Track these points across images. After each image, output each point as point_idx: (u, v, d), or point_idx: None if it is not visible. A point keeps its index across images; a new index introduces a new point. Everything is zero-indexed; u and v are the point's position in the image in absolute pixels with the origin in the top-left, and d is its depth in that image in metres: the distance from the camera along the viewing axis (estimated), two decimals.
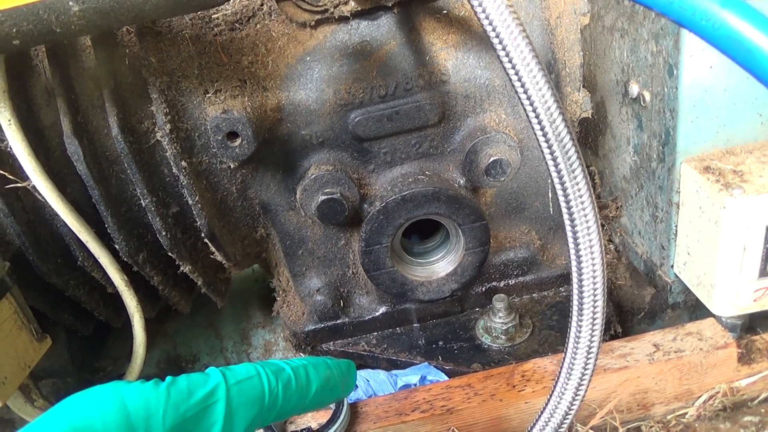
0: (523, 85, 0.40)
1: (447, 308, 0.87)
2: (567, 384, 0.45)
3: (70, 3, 0.50)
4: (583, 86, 0.78)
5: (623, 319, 0.96)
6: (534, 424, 0.47)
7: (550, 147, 0.40)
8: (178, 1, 0.51)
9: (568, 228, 0.42)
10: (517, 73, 0.40)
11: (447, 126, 0.75)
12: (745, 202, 0.62)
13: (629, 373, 0.67)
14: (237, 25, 0.70)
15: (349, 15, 0.68)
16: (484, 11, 0.39)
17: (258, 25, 0.70)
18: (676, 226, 0.74)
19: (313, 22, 0.69)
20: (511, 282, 0.87)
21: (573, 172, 0.42)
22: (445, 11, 0.71)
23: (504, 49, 0.39)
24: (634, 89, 0.76)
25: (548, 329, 0.82)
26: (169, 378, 0.38)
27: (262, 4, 0.70)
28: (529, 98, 0.40)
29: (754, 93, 0.68)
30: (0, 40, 0.51)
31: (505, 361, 0.78)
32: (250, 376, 0.40)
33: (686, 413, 0.69)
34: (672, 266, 0.78)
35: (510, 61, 0.40)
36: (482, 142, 0.73)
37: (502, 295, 0.81)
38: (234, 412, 0.38)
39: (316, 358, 0.46)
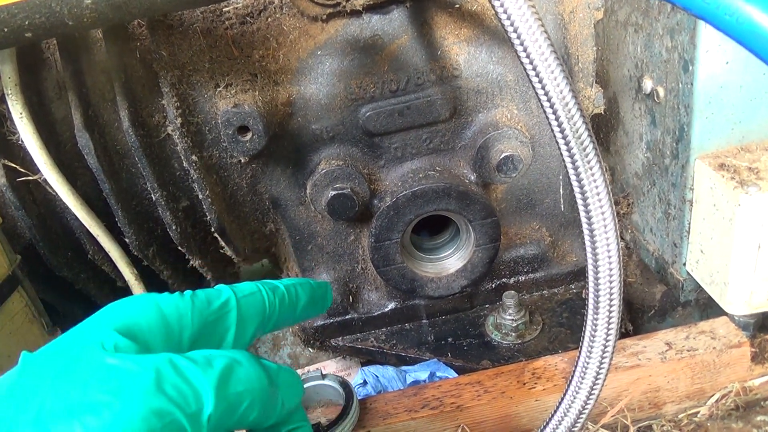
0: (540, 80, 0.40)
1: (456, 305, 0.86)
2: (581, 383, 0.44)
3: None
4: (596, 81, 0.78)
5: (633, 316, 0.95)
6: (547, 423, 0.47)
7: (567, 143, 0.39)
8: None
9: (584, 226, 0.41)
10: (534, 68, 0.39)
11: (458, 121, 0.75)
12: (761, 199, 0.62)
13: (641, 372, 0.67)
14: (248, 18, 0.69)
15: (360, 9, 0.67)
16: (502, 5, 0.39)
17: (269, 19, 0.70)
18: (689, 224, 0.74)
19: (324, 16, 0.69)
20: (521, 279, 0.86)
21: (590, 168, 0.41)
22: (457, 5, 0.70)
23: (522, 43, 0.39)
24: (648, 85, 0.76)
25: (558, 326, 0.82)
26: (188, 291, 0.43)
27: None
28: (546, 93, 0.40)
29: None
30: (13, 33, 0.51)
31: (514, 358, 0.78)
32: (253, 292, 0.46)
33: (698, 412, 0.68)
34: (684, 264, 0.77)
35: (528, 56, 0.39)
36: (494, 137, 0.73)
37: (512, 291, 0.81)
38: (243, 321, 0.44)
39: (301, 279, 0.52)
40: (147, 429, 0.33)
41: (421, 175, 0.75)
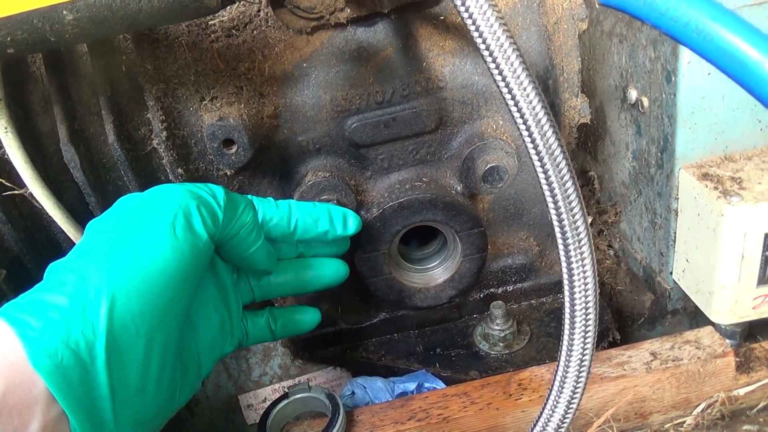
0: (510, 92, 0.40)
1: (445, 315, 0.86)
2: (559, 397, 0.44)
3: (64, 12, 0.50)
4: (582, 91, 0.78)
5: (623, 324, 0.95)
6: None
7: (540, 157, 0.39)
8: (171, 10, 0.51)
9: (559, 239, 0.42)
10: (504, 80, 0.40)
11: (444, 132, 0.75)
12: (744, 209, 0.62)
13: (626, 382, 0.67)
14: (234, 31, 0.70)
15: (345, 21, 0.68)
16: (471, 18, 0.39)
17: (255, 32, 0.70)
18: (675, 233, 0.74)
19: (309, 29, 0.69)
20: (509, 288, 0.86)
21: (562, 179, 0.41)
22: (441, 17, 0.71)
23: (491, 56, 0.39)
24: (633, 95, 0.76)
25: (546, 336, 0.82)
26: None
27: (258, 11, 0.70)
28: (517, 106, 0.40)
29: (753, 99, 0.67)
30: None
31: (503, 368, 0.78)
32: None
33: (684, 422, 0.68)
34: (671, 273, 0.77)
35: (498, 69, 0.39)
36: (479, 148, 0.73)
37: (500, 302, 0.81)
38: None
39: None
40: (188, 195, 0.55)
41: (407, 186, 0.75)
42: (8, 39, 0.51)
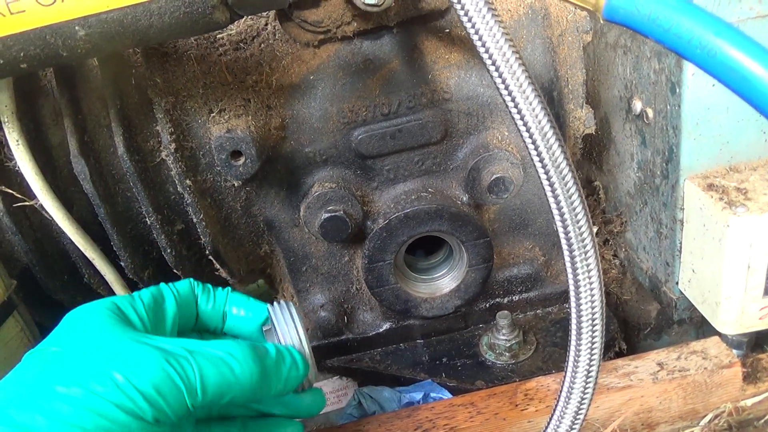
0: (515, 104, 0.41)
1: (451, 324, 0.86)
2: (566, 408, 0.44)
3: (77, 28, 0.51)
4: (587, 102, 0.78)
5: (629, 334, 0.95)
6: None
7: (545, 169, 0.40)
8: (181, 25, 0.52)
9: (565, 250, 0.42)
10: (510, 93, 0.40)
11: (450, 143, 0.75)
12: (749, 220, 0.62)
13: (633, 392, 0.67)
14: (242, 44, 0.70)
15: (351, 35, 0.68)
16: (475, 31, 0.40)
17: (262, 45, 0.71)
18: (681, 243, 0.74)
19: (316, 42, 0.70)
20: (515, 298, 0.86)
21: (568, 191, 0.42)
22: (447, 30, 0.71)
23: (497, 69, 0.40)
24: (637, 106, 0.77)
25: (552, 346, 0.82)
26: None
27: (266, 25, 0.71)
28: (523, 119, 0.41)
29: None
30: (8, 64, 0.52)
31: (508, 378, 0.78)
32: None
33: None
34: (677, 283, 0.78)
35: (503, 82, 0.40)
36: (485, 159, 0.74)
37: (506, 311, 0.81)
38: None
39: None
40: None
41: (413, 197, 0.76)
42: (21, 54, 0.52)
